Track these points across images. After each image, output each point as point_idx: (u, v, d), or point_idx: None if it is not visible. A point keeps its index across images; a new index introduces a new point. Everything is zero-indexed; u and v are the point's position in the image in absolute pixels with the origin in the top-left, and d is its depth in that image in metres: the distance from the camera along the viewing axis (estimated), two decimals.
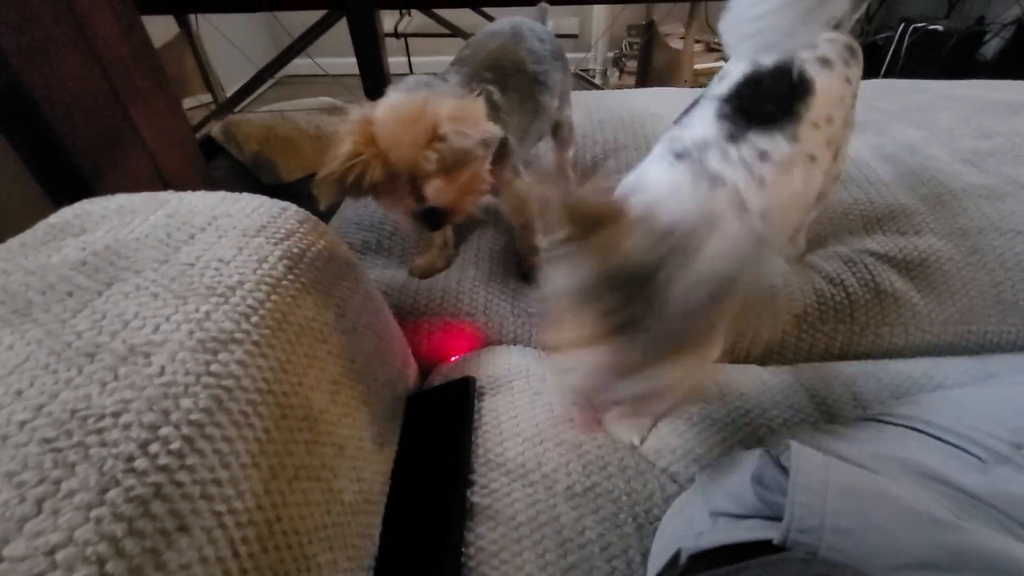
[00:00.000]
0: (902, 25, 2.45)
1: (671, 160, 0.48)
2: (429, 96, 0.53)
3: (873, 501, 0.30)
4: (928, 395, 0.48)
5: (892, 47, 2.45)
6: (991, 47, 2.55)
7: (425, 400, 0.56)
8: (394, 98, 0.54)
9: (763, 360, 0.65)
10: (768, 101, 0.50)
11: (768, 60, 0.52)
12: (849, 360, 0.65)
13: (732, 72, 0.54)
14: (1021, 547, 0.29)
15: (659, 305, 0.31)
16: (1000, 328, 0.65)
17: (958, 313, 0.65)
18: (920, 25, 2.41)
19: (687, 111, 0.55)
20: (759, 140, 0.48)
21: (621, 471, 0.47)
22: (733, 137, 0.48)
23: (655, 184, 0.47)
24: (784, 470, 0.33)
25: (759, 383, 0.58)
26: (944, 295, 0.66)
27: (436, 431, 0.52)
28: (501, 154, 0.61)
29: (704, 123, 0.50)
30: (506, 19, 0.74)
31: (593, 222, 0.32)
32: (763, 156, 0.47)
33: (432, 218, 0.57)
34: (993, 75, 1.10)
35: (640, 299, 0.31)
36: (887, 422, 0.43)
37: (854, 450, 0.39)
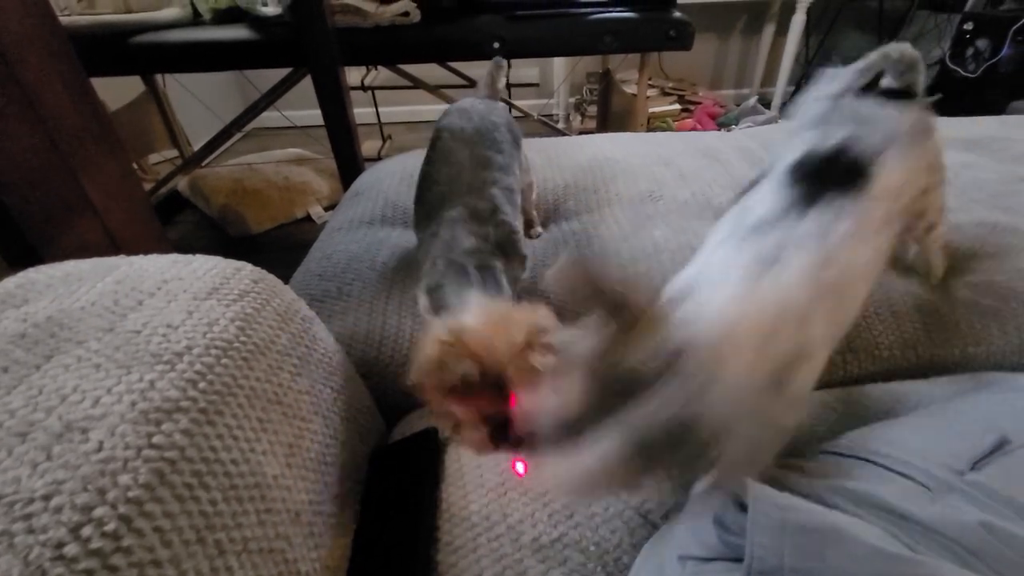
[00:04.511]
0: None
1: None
2: (512, 305, 0.50)
3: (829, 539, 0.31)
4: (879, 424, 0.49)
5: None
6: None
7: (388, 454, 0.55)
8: (482, 305, 0.50)
9: None
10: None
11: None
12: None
13: None
14: None
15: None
16: (943, 351, 0.67)
17: (900, 339, 0.67)
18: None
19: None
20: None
21: (588, 519, 0.46)
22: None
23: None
24: (746, 510, 0.33)
25: None
26: (888, 321, 0.69)
27: (400, 486, 0.51)
28: None
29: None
30: (462, 138, 0.69)
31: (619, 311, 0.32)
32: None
33: (505, 430, 0.48)
34: None
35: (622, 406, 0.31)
36: (841, 454, 0.44)
37: (811, 485, 0.40)
